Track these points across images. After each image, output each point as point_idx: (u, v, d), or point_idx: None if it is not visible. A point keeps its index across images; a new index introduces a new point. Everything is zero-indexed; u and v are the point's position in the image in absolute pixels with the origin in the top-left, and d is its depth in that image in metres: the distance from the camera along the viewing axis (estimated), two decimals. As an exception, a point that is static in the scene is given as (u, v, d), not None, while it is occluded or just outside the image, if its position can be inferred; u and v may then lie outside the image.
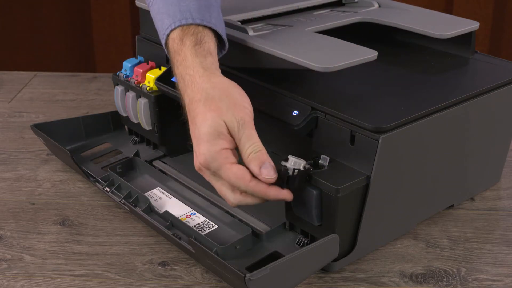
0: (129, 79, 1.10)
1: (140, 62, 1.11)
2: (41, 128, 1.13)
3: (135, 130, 1.14)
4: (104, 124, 1.18)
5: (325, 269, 0.89)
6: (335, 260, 0.87)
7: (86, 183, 1.10)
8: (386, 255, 0.93)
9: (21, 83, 1.49)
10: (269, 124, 0.90)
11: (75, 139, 1.16)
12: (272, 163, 0.80)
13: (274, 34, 0.97)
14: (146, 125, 1.09)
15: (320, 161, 0.86)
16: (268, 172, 0.79)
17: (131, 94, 1.10)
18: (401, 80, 0.97)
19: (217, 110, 0.79)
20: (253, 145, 0.79)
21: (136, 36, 1.16)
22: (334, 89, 0.92)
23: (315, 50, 0.90)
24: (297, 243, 0.90)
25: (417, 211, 0.96)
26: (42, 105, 1.38)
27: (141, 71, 1.08)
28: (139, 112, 1.08)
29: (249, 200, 0.81)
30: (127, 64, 1.11)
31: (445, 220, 1.01)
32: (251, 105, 0.81)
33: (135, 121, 1.12)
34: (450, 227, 0.99)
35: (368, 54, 0.88)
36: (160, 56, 1.10)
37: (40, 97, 1.42)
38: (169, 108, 1.06)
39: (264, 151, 0.80)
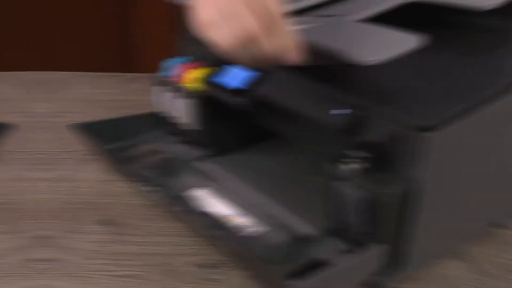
0: (173, 78, 1.09)
1: (185, 62, 1.10)
2: (82, 128, 1.12)
3: (179, 130, 1.13)
4: (146, 124, 1.17)
5: (368, 284, 0.86)
6: (380, 275, 0.84)
7: (127, 183, 1.09)
8: (431, 275, 0.89)
9: (60, 83, 1.48)
10: (305, 124, 0.86)
11: (116, 139, 1.15)
12: None
13: (312, 26, 0.90)
14: (192, 125, 1.08)
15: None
16: None
17: (176, 94, 1.08)
18: (452, 66, 0.87)
19: None
20: None
21: (179, 35, 1.15)
22: (376, 82, 0.86)
23: (357, 41, 0.83)
24: (340, 251, 0.87)
25: (471, 225, 0.90)
26: (81, 105, 1.37)
27: (187, 70, 1.07)
28: (185, 112, 1.07)
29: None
30: (171, 64, 1.10)
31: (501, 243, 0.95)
32: None
33: (181, 121, 1.11)
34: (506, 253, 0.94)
35: (415, 41, 0.80)
36: (205, 55, 1.08)
37: (79, 97, 1.41)
38: (216, 107, 1.04)
39: None
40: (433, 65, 0.89)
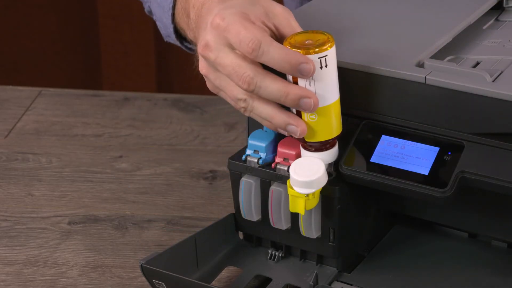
0: (272, 165, 0.70)
1: (279, 137, 0.71)
2: (155, 265, 0.71)
3: (276, 240, 0.75)
4: (219, 238, 0.77)
5: None
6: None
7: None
8: None
9: (21, 105, 1.12)
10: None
11: (188, 270, 0.74)
12: None
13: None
14: (313, 232, 0.70)
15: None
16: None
17: (279, 189, 0.71)
18: None
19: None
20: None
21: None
22: None
23: None
24: None
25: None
26: (54, 143, 1.03)
27: (294, 153, 0.68)
28: (302, 213, 0.68)
29: (267, 83, 0.64)
30: (258, 142, 0.71)
31: None
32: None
33: (283, 227, 0.71)
34: None
35: None
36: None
37: (49, 129, 1.06)
38: (353, 202, 0.72)
39: None
40: None
